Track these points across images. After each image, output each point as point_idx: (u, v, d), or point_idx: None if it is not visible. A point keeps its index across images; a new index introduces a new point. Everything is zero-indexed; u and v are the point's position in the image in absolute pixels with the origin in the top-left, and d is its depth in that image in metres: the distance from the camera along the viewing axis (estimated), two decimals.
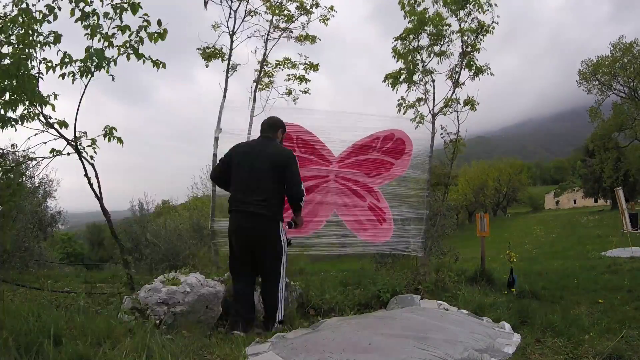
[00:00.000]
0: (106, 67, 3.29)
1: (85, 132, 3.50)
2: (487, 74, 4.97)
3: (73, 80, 3.29)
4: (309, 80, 5.09)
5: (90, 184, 3.59)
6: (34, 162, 3.77)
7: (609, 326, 3.41)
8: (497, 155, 67.74)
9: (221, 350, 2.52)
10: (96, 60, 3.24)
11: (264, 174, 3.13)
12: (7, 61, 3.04)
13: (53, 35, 3.22)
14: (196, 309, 3.01)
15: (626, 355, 2.66)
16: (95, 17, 3.23)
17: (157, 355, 2.14)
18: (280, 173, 3.16)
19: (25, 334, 1.98)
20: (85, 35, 3.24)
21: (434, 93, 5.00)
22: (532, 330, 3.21)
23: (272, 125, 3.41)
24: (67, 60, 3.23)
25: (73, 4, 3.16)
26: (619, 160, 31.63)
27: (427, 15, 4.86)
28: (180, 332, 2.65)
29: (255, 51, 4.82)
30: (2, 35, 3.10)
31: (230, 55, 4.63)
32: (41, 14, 3.17)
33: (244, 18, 4.67)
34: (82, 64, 3.26)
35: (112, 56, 3.30)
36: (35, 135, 3.41)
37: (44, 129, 3.44)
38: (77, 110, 3.50)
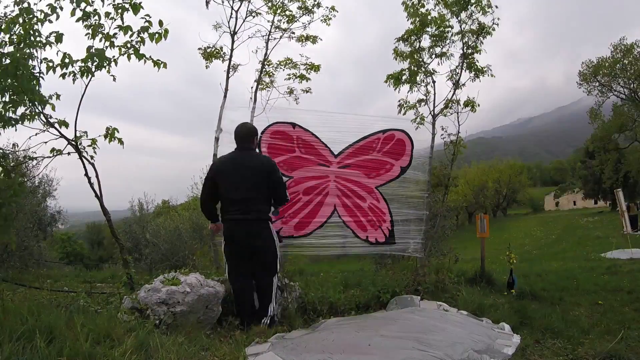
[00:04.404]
0: (107, 67, 3.29)
1: (85, 132, 3.50)
2: (488, 75, 4.98)
3: (74, 80, 3.29)
4: (310, 79, 5.08)
5: (91, 184, 3.59)
6: (34, 162, 3.75)
7: (609, 327, 3.42)
8: (497, 156, 67.71)
9: (221, 350, 2.52)
10: (97, 60, 3.24)
11: (256, 183, 3.32)
12: (7, 61, 3.03)
13: (54, 35, 3.22)
14: (196, 309, 3.01)
15: (625, 357, 2.67)
16: (96, 17, 3.23)
17: (156, 355, 2.14)
18: (267, 181, 3.37)
19: (25, 333, 1.98)
20: (86, 35, 3.25)
21: (434, 94, 5.00)
22: (531, 331, 3.22)
23: (248, 134, 3.49)
24: (67, 60, 3.23)
25: (74, 4, 3.15)
26: (619, 162, 31.61)
27: (429, 17, 4.86)
28: (180, 332, 2.65)
29: (257, 51, 4.82)
30: (3, 35, 3.09)
31: (231, 56, 4.63)
32: (43, 14, 3.16)
33: (245, 18, 4.67)
34: (83, 64, 3.26)
35: (113, 56, 3.30)
36: (35, 134, 3.41)
37: (45, 128, 3.43)
38: (78, 110, 3.50)
